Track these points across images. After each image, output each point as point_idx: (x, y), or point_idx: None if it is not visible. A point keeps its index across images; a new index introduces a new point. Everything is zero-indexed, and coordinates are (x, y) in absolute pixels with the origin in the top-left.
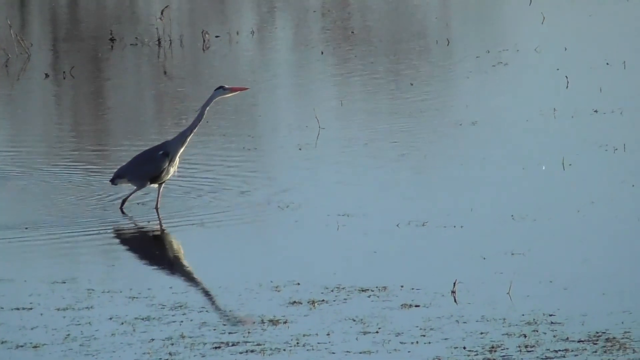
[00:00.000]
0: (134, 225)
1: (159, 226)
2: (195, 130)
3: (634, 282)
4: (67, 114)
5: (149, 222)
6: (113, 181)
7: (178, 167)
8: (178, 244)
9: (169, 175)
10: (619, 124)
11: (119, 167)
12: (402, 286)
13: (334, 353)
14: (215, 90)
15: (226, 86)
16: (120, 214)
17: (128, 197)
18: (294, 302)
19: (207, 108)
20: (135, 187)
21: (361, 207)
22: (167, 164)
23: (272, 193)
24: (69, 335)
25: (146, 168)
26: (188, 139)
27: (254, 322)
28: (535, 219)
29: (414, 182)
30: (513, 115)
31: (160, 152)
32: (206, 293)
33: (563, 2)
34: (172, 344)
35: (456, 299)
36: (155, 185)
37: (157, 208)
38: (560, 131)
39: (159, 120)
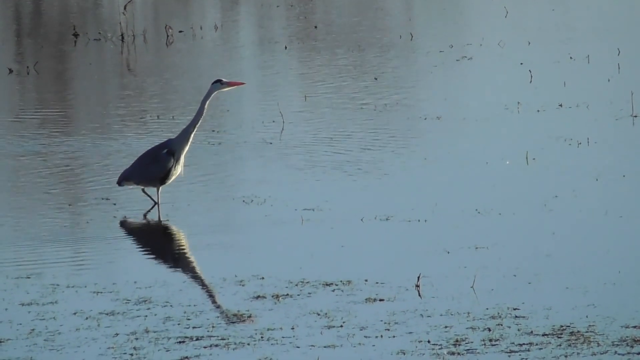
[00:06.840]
0: (97, 220)
1: (124, 221)
2: (197, 126)
3: (598, 276)
4: (31, 109)
5: (112, 217)
6: (120, 183)
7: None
8: (142, 239)
9: (177, 175)
10: (582, 118)
11: (124, 168)
12: (366, 280)
13: (298, 347)
14: (212, 84)
15: (224, 80)
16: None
17: (150, 196)
18: (259, 296)
19: (208, 102)
20: (143, 187)
21: (326, 202)
22: (172, 163)
23: (237, 187)
24: (33, 330)
25: (152, 169)
26: (192, 136)
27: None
28: (500, 213)
29: (378, 176)
30: (477, 109)
31: (165, 151)
32: (173, 288)
33: None
34: (137, 339)
35: (420, 293)
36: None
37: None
38: (524, 125)
39: (123, 115)
